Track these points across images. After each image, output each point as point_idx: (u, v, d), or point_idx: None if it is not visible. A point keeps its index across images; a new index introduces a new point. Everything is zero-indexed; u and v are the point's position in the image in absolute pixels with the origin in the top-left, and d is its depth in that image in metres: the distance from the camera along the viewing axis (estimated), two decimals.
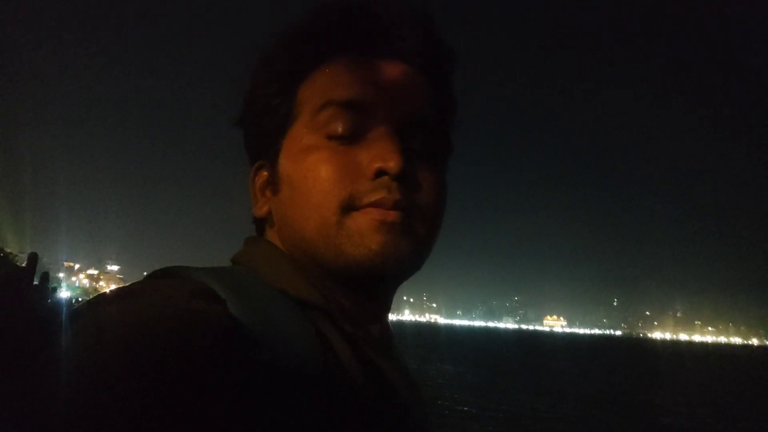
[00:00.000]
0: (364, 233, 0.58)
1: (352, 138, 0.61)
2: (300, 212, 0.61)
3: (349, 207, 0.59)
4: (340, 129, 0.61)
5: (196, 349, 0.40)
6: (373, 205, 0.58)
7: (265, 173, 0.68)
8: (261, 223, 0.71)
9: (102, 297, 0.45)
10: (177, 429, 0.36)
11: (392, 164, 0.58)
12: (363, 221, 0.58)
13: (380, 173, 0.59)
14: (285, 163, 0.64)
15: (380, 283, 0.63)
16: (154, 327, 0.41)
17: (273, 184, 0.66)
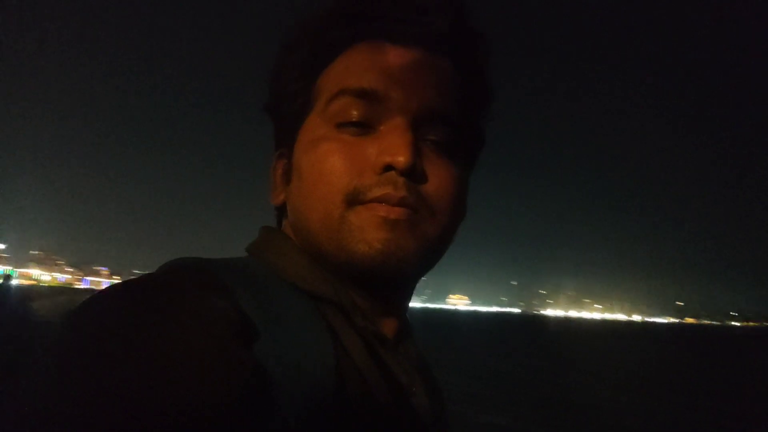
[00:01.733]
0: (366, 229, 0.56)
1: (363, 129, 0.59)
2: (306, 204, 0.60)
3: (353, 201, 0.56)
4: (350, 119, 0.59)
5: (202, 343, 0.39)
6: (378, 200, 0.56)
7: (284, 161, 0.67)
8: (280, 212, 0.70)
9: (108, 290, 0.44)
10: (179, 428, 0.35)
11: (401, 159, 0.55)
12: (366, 216, 0.56)
13: (388, 168, 0.56)
14: (298, 153, 0.63)
15: (383, 282, 0.59)
16: (159, 321, 0.39)
17: (288, 173, 0.65)
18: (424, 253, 0.58)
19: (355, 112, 0.58)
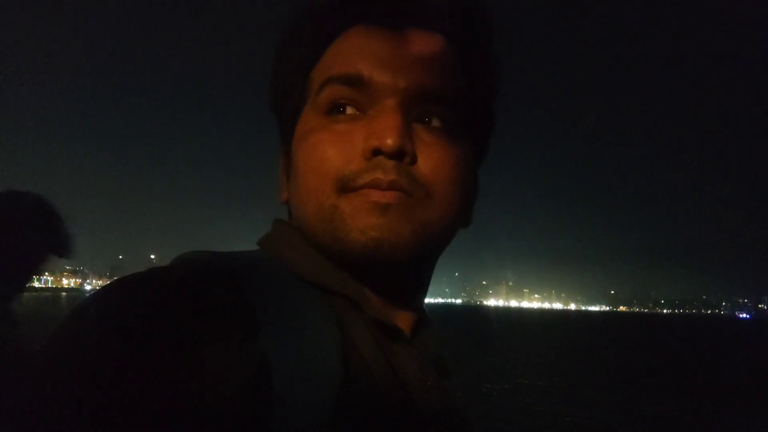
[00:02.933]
0: (357, 216, 0.54)
1: (353, 116, 0.57)
2: (301, 197, 0.59)
3: (344, 189, 0.55)
4: (336, 104, 0.58)
5: (207, 336, 0.39)
6: (368, 186, 0.54)
7: (286, 158, 0.66)
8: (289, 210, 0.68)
9: (115, 284, 0.43)
10: (177, 424, 0.34)
11: (388, 141, 0.53)
12: (357, 203, 0.54)
13: (376, 152, 0.54)
14: (294, 148, 0.62)
15: (381, 270, 0.57)
16: (163, 314, 0.39)
17: (288, 169, 0.65)
18: (421, 237, 0.56)
19: (341, 99, 0.57)
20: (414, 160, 0.56)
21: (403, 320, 0.62)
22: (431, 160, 0.57)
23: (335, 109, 0.58)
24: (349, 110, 0.58)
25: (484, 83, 0.64)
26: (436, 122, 0.59)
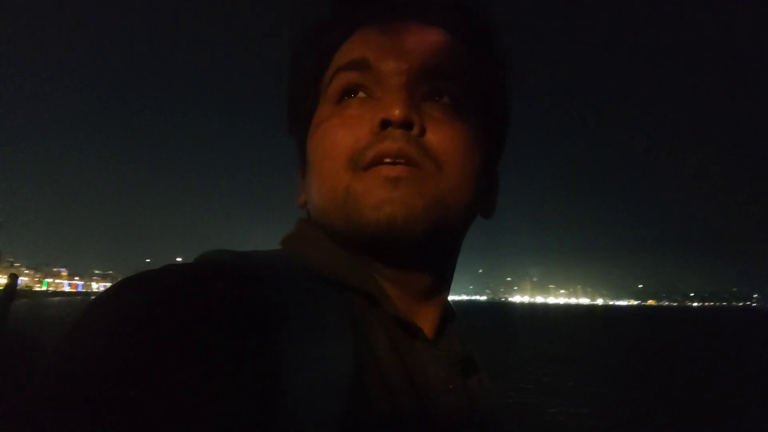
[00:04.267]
0: (369, 194, 0.54)
1: (362, 99, 0.59)
2: (316, 186, 0.59)
3: (356, 167, 0.55)
4: (345, 90, 0.59)
5: (219, 336, 0.38)
6: (379, 158, 0.54)
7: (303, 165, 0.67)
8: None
9: (130, 280, 0.43)
10: (181, 423, 0.34)
11: (395, 111, 0.54)
12: (368, 180, 0.54)
13: (385, 124, 0.55)
14: (308, 144, 0.62)
15: (398, 250, 0.56)
16: (172, 311, 0.38)
17: (303, 171, 0.66)
18: (434, 211, 0.55)
19: (350, 85, 0.59)
20: (423, 132, 0.56)
21: (426, 317, 0.61)
22: (440, 132, 0.57)
23: (345, 95, 0.59)
24: (359, 94, 0.59)
25: (489, 72, 0.65)
26: (445, 99, 0.59)
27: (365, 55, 0.59)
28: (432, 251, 0.59)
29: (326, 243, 0.60)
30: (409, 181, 0.54)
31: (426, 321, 0.60)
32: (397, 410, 0.49)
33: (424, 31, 0.60)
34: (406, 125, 0.55)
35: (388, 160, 0.54)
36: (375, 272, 0.58)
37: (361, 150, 0.55)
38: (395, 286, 0.58)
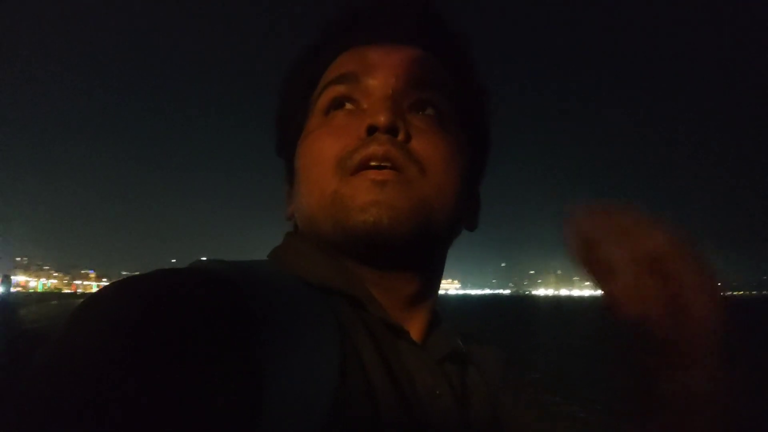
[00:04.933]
0: (356, 196, 0.55)
1: (349, 110, 0.61)
2: (304, 191, 0.61)
3: (343, 171, 0.57)
4: (333, 102, 0.61)
5: (198, 342, 0.38)
6: (365, 162, 0.56)
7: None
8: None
9: (113, 285, 0.43)
10: (167, 425, 0.34)
11: (381, 117, 0.56)
12: (355, 183, 0.56)
13: (371, 130, 0.57)
14: (297, 156, 0.64)
15: (384, 250, 0.56)
16: (156, 318, 0.38)
17: (291, 184, 0.67)
18: (419, 214, 0.56)
19: (336, 94, 0.61)
20: (408, 139, 0.58)
21: (414, 322, 0.61)
22: (425, 139, 0.59)
23: (333, 107, 0.61)
24: (347, 106, 0.61)
25: (470, 94, 0.67)
26: (429, 111, 0.62)
27: (352, 69, 0.61)
28: (417, 254, 0.60)
29: (312, 251, 0.60)
30: (395, 184, 0.55)
31: (413, 326, 0.61)
32: (382, 418, 0.49)
33: (408, 50, 0.63)
34: (391, 131, 0.56)
35: (374, 163, 0.55)
36: (362, 277, 0.58)
37: (348, 154, 0.57)
38: (382, 291, 0.59)
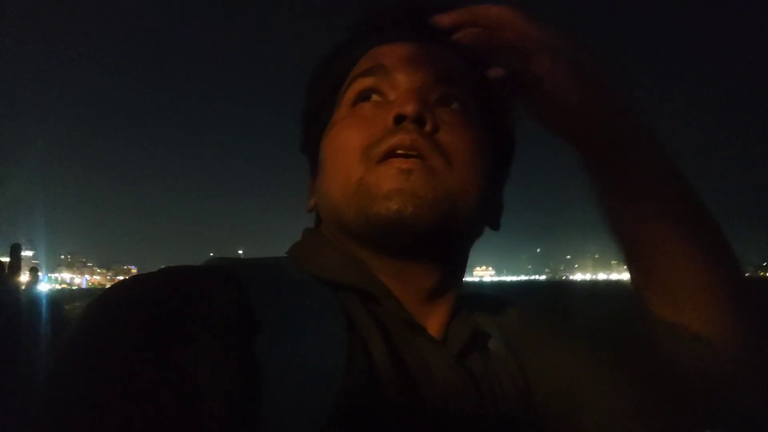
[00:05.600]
0: (381, 184, 0.55)
1: (376, 102, 0.61)
2: (328, 182, 0.61)
3: (369, 160, 0.57)
4: (360, 94, 0.62)
5: (199, 339, 0.39)
6: (392, 151, 0.56)
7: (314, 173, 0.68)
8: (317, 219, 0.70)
9: (118, 285, 0.45)
10: (167, 421, 0.35)
11: (409, 108, 0.56)
12: (381, 172, 0.56)
13: (399, 119, 0.57)
14: (321, 150, 0.64)
15: (406, 238, 0.56)
16: (157, 316, 0.39)
17: (314, 176, 0.67)
18: (443, 204, 0.56)
19: (364, 86, 0.62)
20: (435, 130, 0.58)
21: (433, 316, 0.60)
22: (451, 131, 0.59)
23: (360, 99, 0.62)
24: (374, 98, 0.62)
25: (495, 95, 0.66)
26: (455, 105, 0.62)
27: (380, 63, 0.62)
28: (439, 246, 0.59)
29: (326, 246, 0.61)
30: (421, 173, 0.55)
31: (432, 320, 0.60)
32: (390, 416, 0.48)
33: (435, 47, 0.63)
34: (418, 121, 0.57)
35: (401, 152, 0.56)
36: (381, 268, 0.59)
37: (374, 143, 0.57)
38: (400, 284, 0.59)
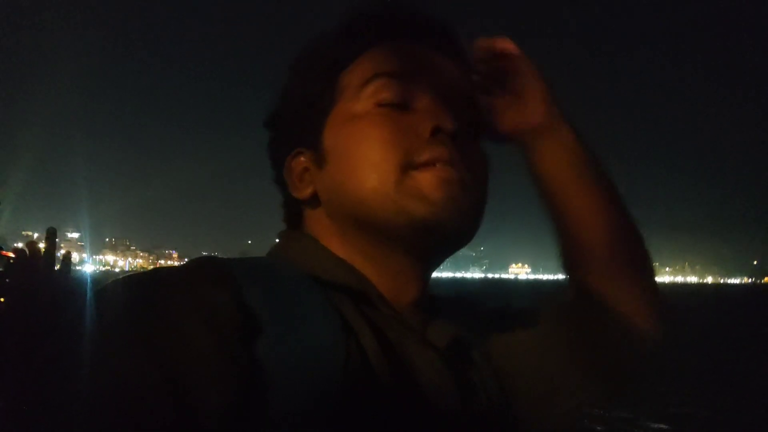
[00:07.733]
0: (426, 189, 0.57)
1: (401, 106, 0.62)
2: (355, 175, 0.60)
3: (407, 165, 0.58)
4: (390, 96, 0.62)
5: (197, 339, 0.40)
6: (432, 161, 0.58)
7: (303, 158, 0.66)
8: (293, 214, 0.69)
9: (118, 282, 0.45)
10: (168, 422, 0.35)
11: (448, 123, 0.59)
12: (424, 178, 0.58)
13: (436, 131, 0.59)
14: (331, 138, 0.63)
15: (439, 242, 0.61)
16: (156, 316, 0.41)
17: (317, 162, 0.65)
18: (472, 215, 0.61)
19: (393, 89, 0.62)
20: (464, 146, 0.62)
21: (416, 310, 0.63)
22: (472, 149, 0.64)
23: (388, 99, 0.62)
24: (403, 101, 0.62)
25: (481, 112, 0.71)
26: (471, 122, 0.66)
27: (409, 69, 0.63)
28: (454, 251, 0.65)
29: (319, 248, 0.62)
30: (457, 185, 0.58)
31: (417, 315, 0.62)
32: (386, 415, 0.50)
33: (456, 60, 0.67)
34: (455, 136, 0.60)
35: (440, 164, 0.58)
36: (380, 269, 0.61)
37: (415, 151, 0.58)
38: (394, 286, 0.61)
